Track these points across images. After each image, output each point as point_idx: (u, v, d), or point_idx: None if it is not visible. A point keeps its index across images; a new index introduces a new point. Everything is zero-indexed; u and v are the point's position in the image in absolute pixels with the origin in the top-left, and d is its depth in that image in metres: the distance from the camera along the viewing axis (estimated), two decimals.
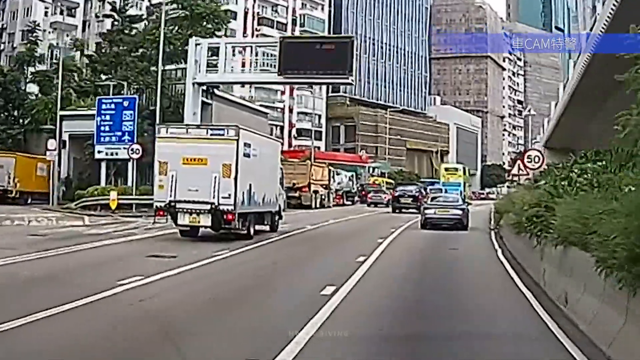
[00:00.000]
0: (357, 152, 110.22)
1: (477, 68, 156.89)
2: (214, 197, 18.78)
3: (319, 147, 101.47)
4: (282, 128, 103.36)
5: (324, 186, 43.75)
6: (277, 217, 23.53)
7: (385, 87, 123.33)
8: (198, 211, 19.06)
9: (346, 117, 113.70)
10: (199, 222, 19.22)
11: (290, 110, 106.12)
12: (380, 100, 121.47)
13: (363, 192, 57.98)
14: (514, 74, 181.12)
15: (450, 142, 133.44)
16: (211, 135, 19.33)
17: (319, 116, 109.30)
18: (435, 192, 46.70)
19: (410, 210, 40.14)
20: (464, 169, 79.16)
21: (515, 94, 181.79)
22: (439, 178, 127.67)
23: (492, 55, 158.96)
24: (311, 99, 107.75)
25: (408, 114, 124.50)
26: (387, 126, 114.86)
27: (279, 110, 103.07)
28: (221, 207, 18.88)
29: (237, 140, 18.99)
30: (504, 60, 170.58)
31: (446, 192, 47.46)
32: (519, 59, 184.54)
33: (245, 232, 20.13)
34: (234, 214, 19.04)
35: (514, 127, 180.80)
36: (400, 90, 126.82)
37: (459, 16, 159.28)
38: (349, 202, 52.18)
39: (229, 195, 18.85)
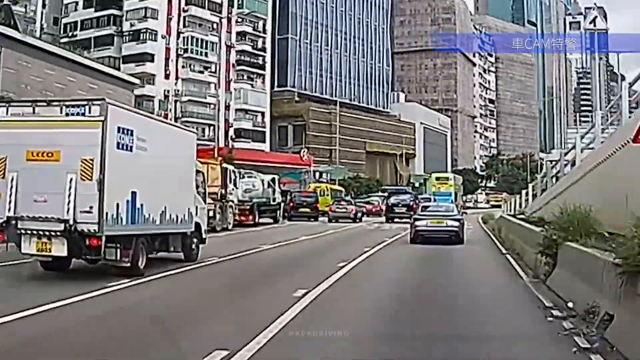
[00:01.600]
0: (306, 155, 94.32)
1: (445, 63, 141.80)
2: (68, 212, 12.36)
3: (263, 151, 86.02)
4: (216, 128, 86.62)
5: (215, 196, 27.05)
6: (194, 241, 16.49)
7: (340, 81, 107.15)
8: (48, 233, 12.58)
9: (294, 115, 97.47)
10: (49, 249, 12.66)
11: (227, 107, 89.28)
12: (335, 96, 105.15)
13: (291, 204, 41.52)
14: (484, 70, 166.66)
15: (416, 144, 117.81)
16: (67, 115, 12.89)
17: (262, 114, 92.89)
18: (425, 200, 43.01)
19: (404, 219, 37.03)
20: (455, 177, 76.36)
21: (486, 92, 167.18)
22: (403, 184, 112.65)
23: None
24: (252, 94, 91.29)
25: (367, 112, 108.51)
26: (343, 125, 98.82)
27: (211, 106, 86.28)
28: (80, 227, 12.37)
29: (104, 122, 12.60)
30: (474, 56, 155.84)
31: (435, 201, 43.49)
32: (490, 55, 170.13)
33: (128, 264, 13.18)
34: (99, 238, 12.55)
35: (485, 129, 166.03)
36: (358, 85, 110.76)
37: (424, 6, 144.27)
38: (268, 219, 35.47)
39: (91, 208, 12.42)
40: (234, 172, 31.39)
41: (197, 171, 17.53)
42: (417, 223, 22.55)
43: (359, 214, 42.12)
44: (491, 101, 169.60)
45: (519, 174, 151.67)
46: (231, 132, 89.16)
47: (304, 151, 59.34)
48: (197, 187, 17.39)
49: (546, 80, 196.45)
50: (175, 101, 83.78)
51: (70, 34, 79.62)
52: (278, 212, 37.73)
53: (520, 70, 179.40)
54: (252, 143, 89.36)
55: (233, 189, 30.83)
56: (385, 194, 75.00)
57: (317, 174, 71.66)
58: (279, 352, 7.48)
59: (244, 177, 33.68)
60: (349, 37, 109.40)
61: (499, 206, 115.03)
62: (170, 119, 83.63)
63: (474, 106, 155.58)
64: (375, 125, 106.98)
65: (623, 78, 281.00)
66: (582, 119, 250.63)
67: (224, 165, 30.10)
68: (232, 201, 30.50)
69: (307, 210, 41.14)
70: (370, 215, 48.43)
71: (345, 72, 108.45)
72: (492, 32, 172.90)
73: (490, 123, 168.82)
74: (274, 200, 36.55)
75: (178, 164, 16.12)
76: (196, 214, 16.70)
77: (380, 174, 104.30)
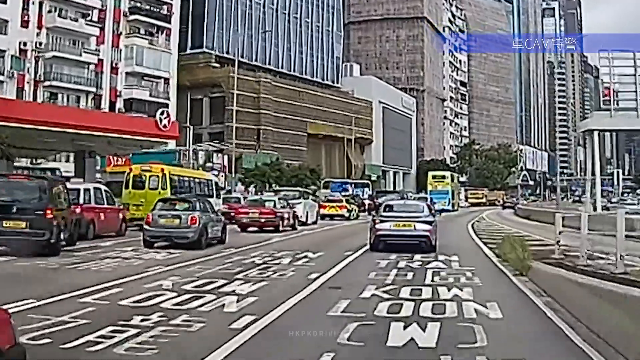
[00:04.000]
0: (227, 138, 71.49)
1: (410, 34, 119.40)
2: None
3: None
4: (97, 98, 63.13)
5: None
6: None
7: (276, 45, 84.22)
8: None
9: (212, 84, 74.53)
10: None
11: (114, 69, 65.99)
12: (268, 64, 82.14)
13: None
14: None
15: (373, 127, 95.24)
16: None
17: (166, 81, 69.56)
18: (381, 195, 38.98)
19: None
20: (451, 175, 73.57)
21: (457, 73, 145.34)
22: (357, 177, 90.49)
23: (430, 18, 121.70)
24: (151, 54, 67.86)
25: (310, 85, 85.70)
26: (277, 99, 76.36)
27: (90, 67, 62.88)
28: None
29: None
30: (444, 30, 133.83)
31: (403, 199, 31.42)
32: (462, 31, 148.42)
33: None
34: None
35: (456, 115, 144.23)
36: (299, 53, 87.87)
37: None
38: None
39: None
40: None
41: None
42: (378, 226, 18.22)
43: (215, 231, 19.28)
44: (463, 84, 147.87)
45: (495, 167, 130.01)
46: (119, 103, 65.71)
47: (164, 112, 36.14)
48: None
49: (522, 63, 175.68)
50: (37, 58, 59.89)
51: None
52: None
53: (495, 48, 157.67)
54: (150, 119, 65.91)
55: None
56: (328, 191, 58.04)
57: (204, 155, 48.86)
58: None
59: None
60: None
61: (480, 204, 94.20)
62: (28, 82, 60.08)
63: (444, 88, 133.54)
64: (320, 102, 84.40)
65: (597, 70, 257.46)
66: (559, 111, 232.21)
67: None
68: None
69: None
70: (264, 229, 25.51)
71: (283, 35, 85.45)
72: (464, 6, 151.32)
73: (461, 109, 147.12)
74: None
75: None
76: None
77: (327, 163, 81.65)
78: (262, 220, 25.57)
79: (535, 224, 36.77)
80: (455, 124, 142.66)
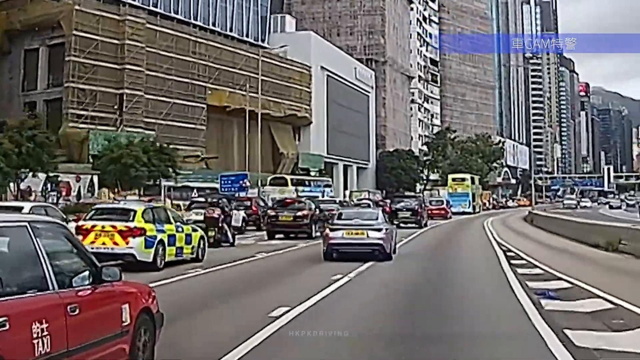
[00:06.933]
0: (68, 106, 46.58)
1: None
2: None
3: None
4: None
5: None
6: None
7: None
8: None
9: (50, 25, 48.53)
10: None
11: None
12: (156, 5, 55.42)
13: None
14: (425, 19, 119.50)
15: (313, 102, 69.19)
16: None
17: None
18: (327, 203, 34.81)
19: (410, 225, 35.42)
20: (471, 178, 71.36)
21: (427, 49, 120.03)
22: (286, 171, 64.83)
23: None
24: None
25: (214, 35, 59.71)
26: (153, 50, 50.74)
27: None
28: None
29: None
30: None
31: (360, 206, 32.20)
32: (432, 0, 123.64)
33: None
34: None
35: (426, 99, 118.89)
36: None
37: None
38: None
39: None
40: None
41: None
42: (330, 234, 18.17)
43: None
44: (434, 62, 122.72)
45: (474, 162, 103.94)
46: None
47: None
48: None
49: (502, 42, 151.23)
50: None
51: None
52: None
53: (471, 24, 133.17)
54: None
55: None
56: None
57: None
58: None
59: None
60: None
61: (463, 212, 69.89)
62: None
63: (411, 65, 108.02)
64: (230, 62, 58.14)
65: (573, 63, 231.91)
66: (533, 104, 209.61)
67: None
68: None
69: None
70: None
71: None
72: None
73: (432, 92, 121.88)
74: None
75: None
76: None
77: (243, 149, 55.24)
78: None
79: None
80: (425, 109, 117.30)
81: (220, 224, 22.08)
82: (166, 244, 14.89)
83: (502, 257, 17.88)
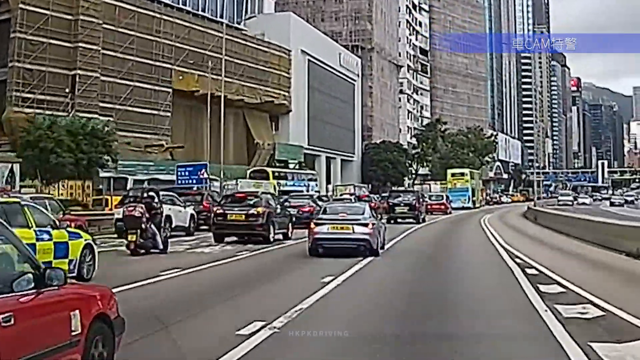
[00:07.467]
0: (13, 88, 41.75)
1: None
2: None
3: None
4: None
5: None
6: None
7: None
8: None
9: None
10: None
11: None
12: None
13: None
14: (414, 6, 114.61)
15: (292, 89, 64.20)
16: None
17: None
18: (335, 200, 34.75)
19: (408, 220, 34.55)
20: (470, 173, 71.41)
21: (417, 38, 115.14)
22: (261, 162, 59.89)
23: None
24: None
25: (182, 13, 54.67)
26: (111, 27, 45.60)
27: None
28: None
29: None
30: None
31: (351, 201, 30.55)
32: None
33: None
34: None
35: (415, 90, 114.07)
36: None
37: None
38: None
39: None
40: None
41: None
42: (315, 229, 17.62)
43: None
44: (423, 52, 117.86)
45: (465, 155, 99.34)
46: None
47: None
48: None
49: (494, 33, 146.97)
50: None
51: None
52: None
53: (462, 13, 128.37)
54: None
55: None
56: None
57: None
58: None
59: None
60: None
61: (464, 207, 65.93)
62: None
63: (399, 54, 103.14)
64: (199, 44, 53.09)
65: (564, 58, 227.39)
66: (524, 99, 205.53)
67: None
68: None
69: None
70: None
71: None
72: None
73: (422, 83, 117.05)
74: None
75: None
76: None
77: (210, 139, 50.17)
78: None
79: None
80: (415, 100, 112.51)
81: (144, 225, 17.07)
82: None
83: (527, 287, 12.59)
